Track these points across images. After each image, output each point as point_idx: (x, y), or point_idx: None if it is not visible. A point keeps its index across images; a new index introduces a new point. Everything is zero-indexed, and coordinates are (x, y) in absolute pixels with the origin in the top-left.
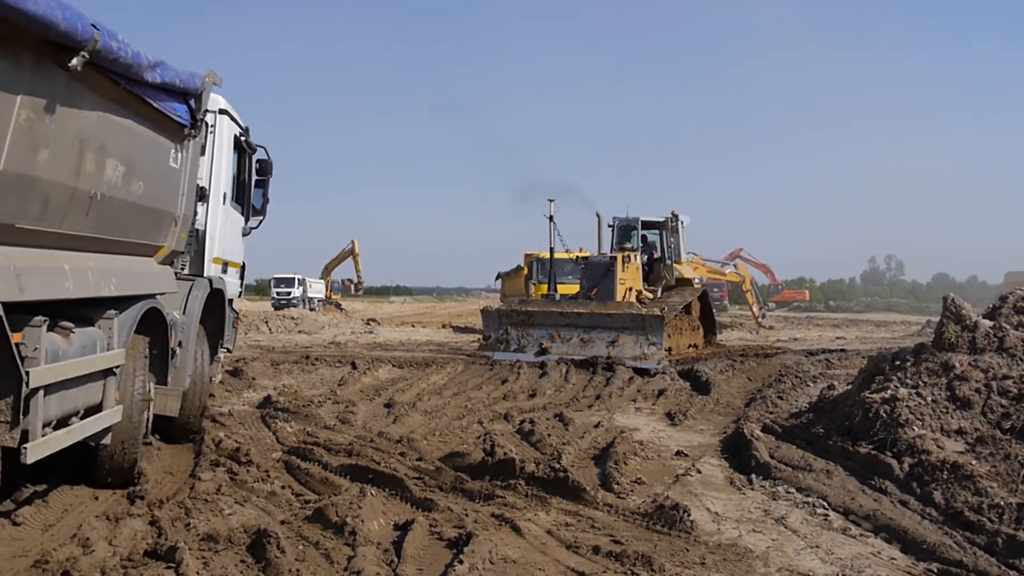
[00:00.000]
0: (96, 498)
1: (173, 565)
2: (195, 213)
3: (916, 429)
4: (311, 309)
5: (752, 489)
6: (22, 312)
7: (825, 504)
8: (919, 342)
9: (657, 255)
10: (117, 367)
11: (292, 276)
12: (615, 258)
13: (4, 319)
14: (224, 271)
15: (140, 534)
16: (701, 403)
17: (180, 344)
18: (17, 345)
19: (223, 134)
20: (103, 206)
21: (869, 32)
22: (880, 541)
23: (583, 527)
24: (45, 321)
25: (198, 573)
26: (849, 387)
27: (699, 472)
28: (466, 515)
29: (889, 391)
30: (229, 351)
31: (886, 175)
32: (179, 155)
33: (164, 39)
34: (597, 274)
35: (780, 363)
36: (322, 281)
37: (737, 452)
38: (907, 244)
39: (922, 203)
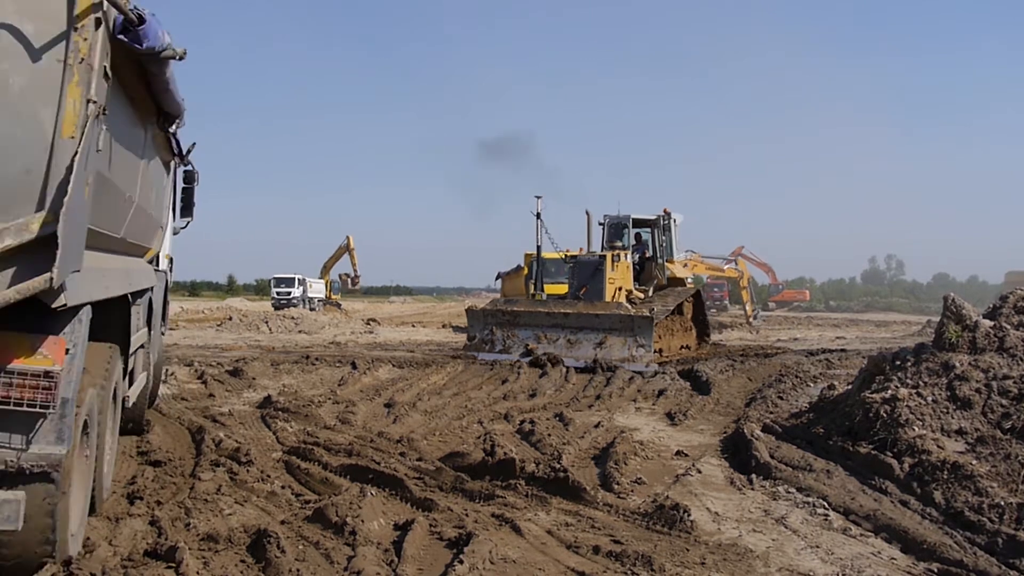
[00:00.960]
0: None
1: (173, 565)
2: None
3: (916, 429)
4: (311, 309)
5: (752, 489)
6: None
7: (825, 504)
8: (919, 342)
9: (649, 254)
10: (144, 343)
11: (292, 276)
12: (604, 257)
13: (131, 299)
14: (170, 265)
15: (140, 534)
16: (701, 403)
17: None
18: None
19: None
20: (138, 217)
21: (869, 32)
22: (880, 541)
23: (583, 527)
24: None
25: (198, 573)
26: (849, 387)
27: (699, 472)
28: (466, 515)
29: (889, 391)
30: (163, 333)
31: (886, 175)
32: (169, 176)
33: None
34: (586, 273)
35: (780, 363)
36: (322, 281)
37: (737, 452)
38: (907, 244)
39: (922, 203)
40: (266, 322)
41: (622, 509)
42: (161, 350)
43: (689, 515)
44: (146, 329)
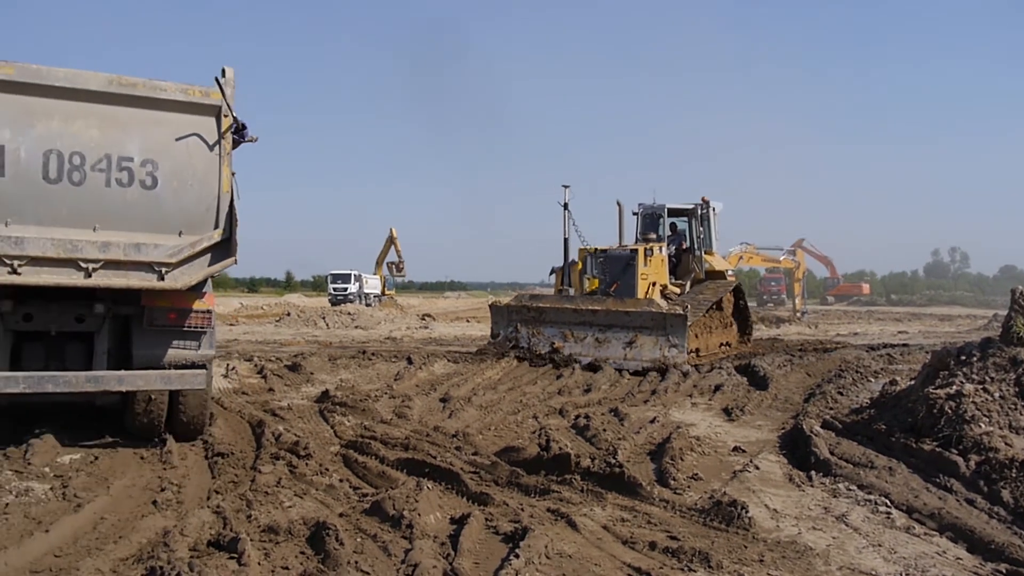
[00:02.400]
0: (160, 489)
1: (236, 556)
2: None
3: (983, 426)
4: (367, 304)
5: (812, 486)
6: None
7: (888, 502)
8: (985, 336)
9: (686, 245)
10: None
11: (348, 272)
12: (636, 251)
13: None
14: None
15: (208, 524)
16: (758, 398)
17: None
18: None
19: None
20: None
21: (930, 25)
22: (945, 540)
23: (639, 523)
24: None
25: (259, 564)
26: (912, 382)
27: (757, 468)
28: (522, 509)
29: (954, 387)
30: None
31: (950, 165)
32: None
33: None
34: (616, 268)
35: (840, 358)
36: (377, 276)
37: (796, 448)
38: (972, 235)
39: (988, 193)
40: (323, 318)
41: (678, 505)
42: None
43: (747, 512)
44: None
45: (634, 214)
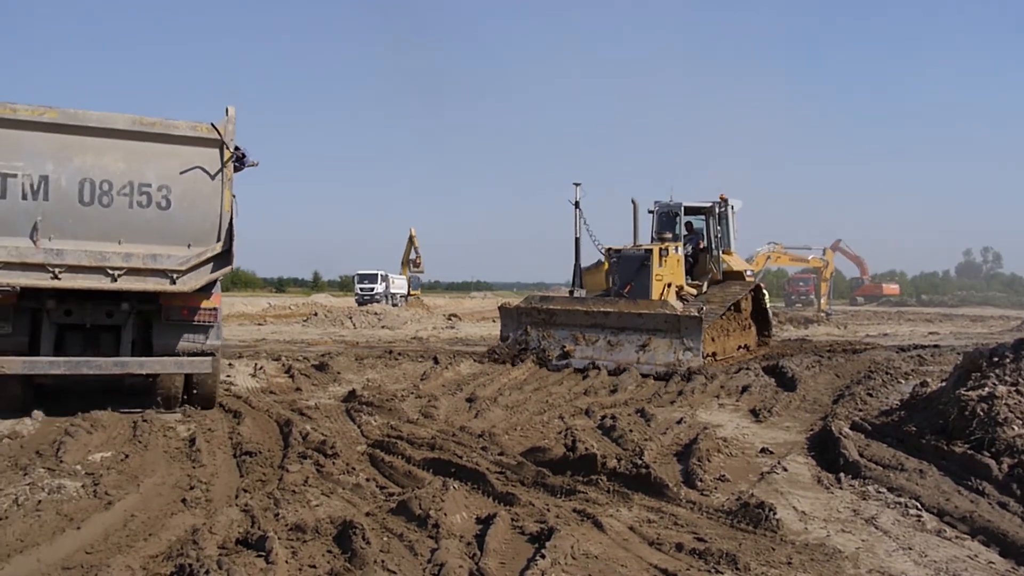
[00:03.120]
0: (189, 487)
1: (263, 554)
2: None
3: (1016, 428)
4: (393, 304)
5: (841, 488)
6: None
7: (918, 505)
8: (1019, 337)
9: (703, 245)
10: None
11: (375, 272)
12: (651, 251)
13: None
14: None
15: (236, 522)
16: (787, 400)
17: None
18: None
19: None
20: None
21: (960, 26)
22: (977, 544)
23: (666, 524)
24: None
25: (287, 562)
26: (943, 384)
27: (785, 470)
28: (547, 510)
29: (987, 388)
30: None
31: (982, 164)
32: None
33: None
34: (630, 269)
35: (869, 359)
36: (403, 276)
37: (825, 450)
38: (1005, 235)
39: (1021, 192)
40: (350, 317)
41: (705, 506)
42: None
43: (775, 513)
44: None
45: (650, 212)
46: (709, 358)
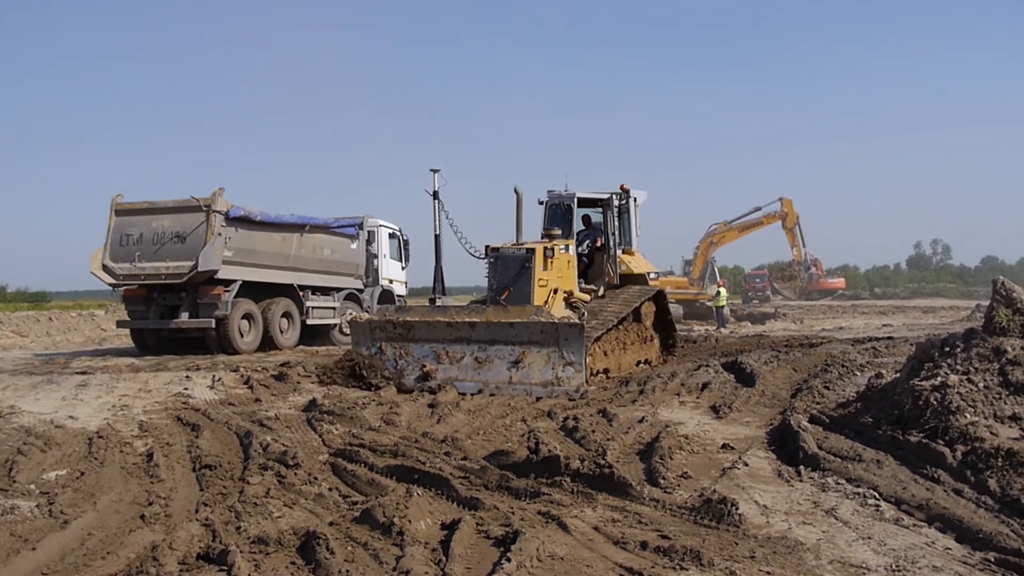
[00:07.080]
0: (147, 503)
1: (226, 568)
2: (368, 264)
3: (968, 416)
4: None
5: (801, 481)
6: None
7: (876, 494)
8: (969, 327)
9: (600, 243)
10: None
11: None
12: (533, 250)
13: (297, 288)
14: (391, 283)
15: (196, 537)
16: (746, 395)
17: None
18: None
19: (382, 234)
20: (330, 264)
21: (910, 17)
22: (934, 531)
23: (630, 523)
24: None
25: (250, 575)
26: (897, 375)
27: (746, 465)
28: (512, 513)
29: (939, 378)
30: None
31: (929, 156)
32: (353, 245)
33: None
34: (509, 272)
35: (826, 352)
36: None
37: (784, 444)
38: (954, 227)
39: (968, 184)
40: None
41: (669, 504)
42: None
43: (737, 508)
44: (333, 302)
45: (540, 203)
46: (600, 375)
